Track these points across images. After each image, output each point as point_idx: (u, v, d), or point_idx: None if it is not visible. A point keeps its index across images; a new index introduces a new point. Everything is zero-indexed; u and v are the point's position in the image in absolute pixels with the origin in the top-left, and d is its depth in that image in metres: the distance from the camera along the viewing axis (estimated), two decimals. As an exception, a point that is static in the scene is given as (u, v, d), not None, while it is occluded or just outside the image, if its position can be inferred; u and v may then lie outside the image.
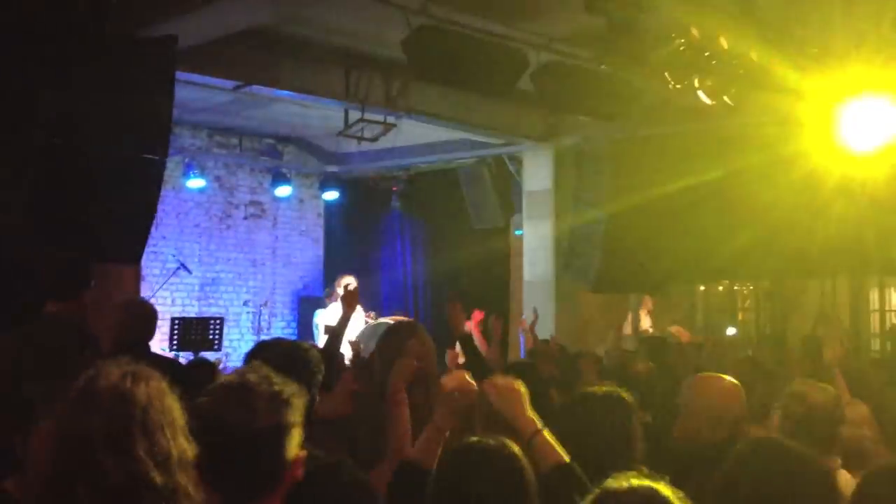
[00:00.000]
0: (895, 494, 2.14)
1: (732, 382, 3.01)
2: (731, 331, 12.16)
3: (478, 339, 6.98)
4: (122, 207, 5.65)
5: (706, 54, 6.07)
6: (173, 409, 1.86)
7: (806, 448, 3.06)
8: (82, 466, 1.77)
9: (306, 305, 11.75)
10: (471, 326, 6.82)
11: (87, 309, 4.65)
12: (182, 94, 7.92)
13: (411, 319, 6.93)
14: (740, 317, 12.53)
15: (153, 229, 9.00)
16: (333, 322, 8.14)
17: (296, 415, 1.88)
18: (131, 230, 5.74)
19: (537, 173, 10.52)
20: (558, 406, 3.74)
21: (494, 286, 11.21)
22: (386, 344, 3.94)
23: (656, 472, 1.81)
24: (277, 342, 3.14)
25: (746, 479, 2.28)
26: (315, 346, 3.29)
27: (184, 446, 1.84)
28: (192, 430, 1.85)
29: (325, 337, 7.76)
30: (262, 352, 2.86)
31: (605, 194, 9.10)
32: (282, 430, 1.86)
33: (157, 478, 1.78)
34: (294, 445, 1.88)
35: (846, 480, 3.14)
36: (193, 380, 3.96)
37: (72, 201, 5.43)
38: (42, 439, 2.33)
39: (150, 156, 5.79)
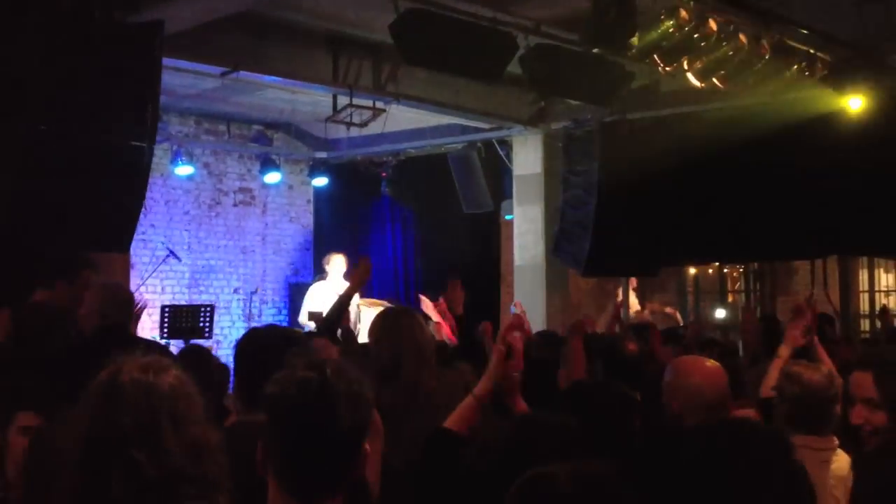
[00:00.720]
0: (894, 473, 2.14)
1: (714, 364, 3.01)
2: (720, 313, 12.20)
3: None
4: (110, 195, 5.61)
5: (695, 36, 6.06)
6: (196, 398, 1.86)
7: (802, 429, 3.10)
8: (115, 462, 1.75)
9: (297, 292, 11.73)
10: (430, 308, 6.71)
11: (81, 296, 4.61)
12: (169, 80, 7.88)
13: (399, 305, 6.89)
14: (730, 298, 12.57)
15: (142, 217, 8.96)
16: (322, 300, 8.15)
17: (369, 408, 1.86)
18: (119, 218, 5.70)
19: (527, 157, 10.50)
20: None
21: (485, 271, 11.20)
22: (390, 328, 3.87)
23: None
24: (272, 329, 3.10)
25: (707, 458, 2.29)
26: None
27: (210, 434, 1.84)
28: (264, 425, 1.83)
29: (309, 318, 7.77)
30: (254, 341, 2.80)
31: (595, 178, 9.09)
32: (360, 432, 1.83)
33: (190, 468, 1.77)
34: (365, 441, 1.86)
35: (843, 460, 3.15)
36: (187, 367, 3.93)
37: (58, 189, 5.39)
38: (42, 437, 2.32)
39: (138, 143, 5.74)
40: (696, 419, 2.77)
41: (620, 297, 10.15)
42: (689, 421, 2.75)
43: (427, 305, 6.82)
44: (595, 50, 6.77)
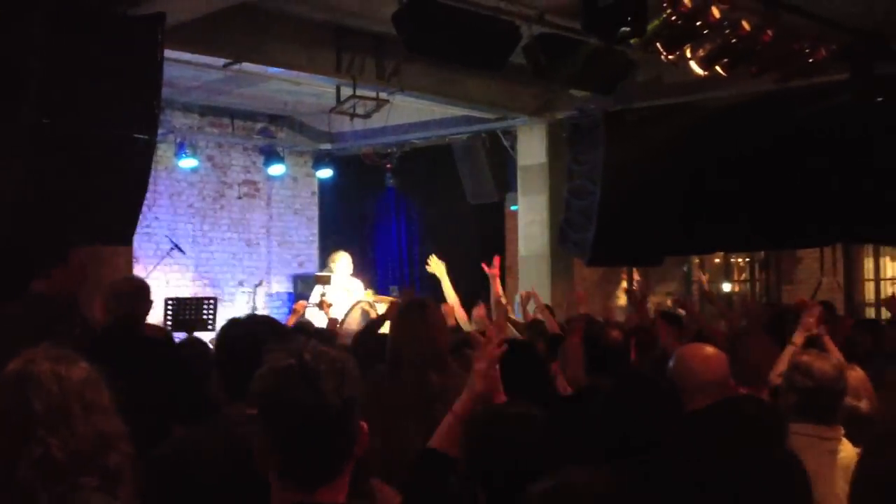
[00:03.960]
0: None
1: (715, 351, 3.03)
2: (726, 287, 12.21)
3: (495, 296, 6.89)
4: (113, 188, 5.63)
5: (698, 23, 6.03)
6: (104, 389, 1.92)
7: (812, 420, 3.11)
8: (25, 445, 1.80)
9: (302, 284, 11.74)
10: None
11: (80, 276, 4.59)
12: (172, 72, 7.88)
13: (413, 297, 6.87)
14: (737, 288, 12.54)
15: (146, 210, 8.99)
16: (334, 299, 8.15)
17: (357, 387, 1.84)
18: (122, 211, 5.72)
19: (532, 148, 10.48)
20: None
21: (490, 262, 11.17)
22: (403, 321, 3.84)
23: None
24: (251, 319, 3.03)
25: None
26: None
27: (117, 426, 1.89)
28: (253, 416, 1.84)
29: (322, 313, 7.79)
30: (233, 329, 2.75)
31: (600, 168, 9.07)
32: (349, 408, 1.81)
33: (96, 457, 1.81)
34: (358, 418, 1.84)
35: (850, 450, 3.15)
36: (184, 358, 3.94)
37: (61, 182, 5.39)
38: None
39: (140, 135, 5.75)
40: (699, 403, 2.80)
41: (623, 288, 10.12)
42: (692, 405, 2.78)
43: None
44: (595, 38, 6.72)
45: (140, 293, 4.68)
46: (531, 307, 7.63)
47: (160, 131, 6.95)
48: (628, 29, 5.78)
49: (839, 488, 2.97)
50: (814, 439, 3.12)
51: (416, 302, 4.06)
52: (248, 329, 2.67)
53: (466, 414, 2.54)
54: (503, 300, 6.61)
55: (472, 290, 8.54)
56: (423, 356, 3.61)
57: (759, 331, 4.93)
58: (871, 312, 11.14)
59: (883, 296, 10.91)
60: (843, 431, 3.22)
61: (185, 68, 8.48)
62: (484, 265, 6.98)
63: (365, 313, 8.32)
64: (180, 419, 3.17)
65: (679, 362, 3.04)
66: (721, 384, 2.95)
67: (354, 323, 7.99)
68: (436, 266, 6.93)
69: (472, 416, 2.47)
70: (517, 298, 8.46)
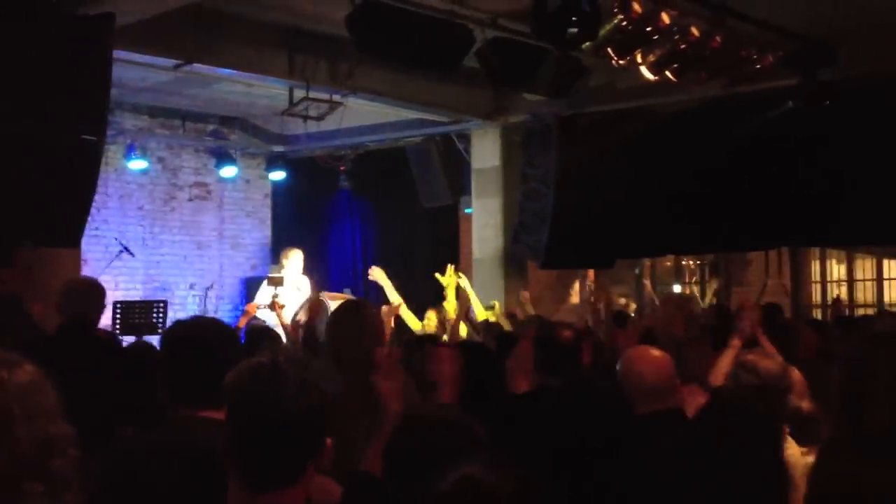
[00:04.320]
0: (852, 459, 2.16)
1: (662, 354, 3.04)
2: (676, 288, 12.37)
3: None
4: (60, 189, 5.53)
5: (648, 29, 6.10)
6: (50, 393, 1.87)
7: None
8: None
9: (254, 287, 11.63)
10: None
11: (27, 276, 4.54)
12: (121, 73, 7.77)
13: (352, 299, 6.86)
14: (687, 291, 12.71)
15: (94, 212, 8.84)
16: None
17: (324, 400, 1.84)
18: (70, 212, 5.62)
19: (486, 151, 10.52)
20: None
21: (444, 264, 11.17)
22: (341, 322, 3.86)
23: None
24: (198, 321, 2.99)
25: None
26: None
27: (63, 430, 1.84)
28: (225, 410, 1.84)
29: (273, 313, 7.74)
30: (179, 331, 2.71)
31: (553, 171, 9.13)
32: (311, 420, 1.82)
33: (40, 463, 1.79)
34: (322, 433, 1.84)
35: (794, 448, 3.21)
36: (131, 361, 3.89)
37: (6, 183, 5.29)
38: None
39: (88, 136, 5.66)
40: (645, 407, 2.81)
41: (577, 290, 10.21)
42: (639, 408, 2.79)
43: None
44: (546, 43, 6.77)
45: (92, 294, 4.63)
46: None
47: (109, 132, 6.85)
48: (576, 30, 5.82)
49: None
50: None
51: (352, 303, 4.08)
52: (193, 331, 2.64)
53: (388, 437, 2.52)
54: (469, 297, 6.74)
55: (426, 292, 8.55)
56: (358, 358, 3.64)
57: (699, 334, 5.01)
58: (817, 314, 11.37)
59: (829, 298, 11.15)
60: (787, 430, 3.28)
61: (134, 69, 8.37)
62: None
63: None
64: (129, 422, 3.13)
65: (626, 365, 3.04)
66: (669, 388, 2.97)
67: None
68: (377, 274, 7.02)
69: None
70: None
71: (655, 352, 3.08)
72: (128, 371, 3.99)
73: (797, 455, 3.19)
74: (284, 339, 6.17)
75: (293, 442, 1.81)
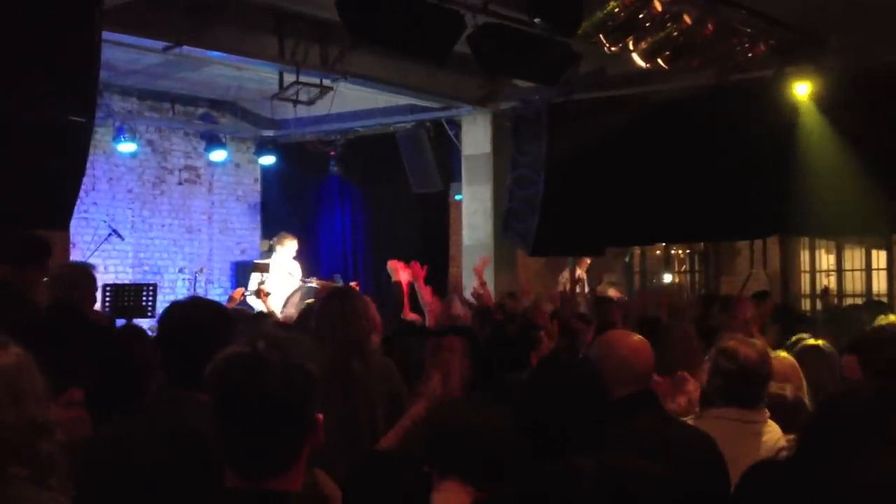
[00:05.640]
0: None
1: (639, 339, 3.04)
2: (667, 277, 12.41)
3: (422, 293, 6.98)
4: (48, 172, 5.49)
5: (640, 16, 6.10)
6: (37, 376, 1.86)
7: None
8: None
9: (243, 271, 11.62)
10: (409, 277, 6.89)
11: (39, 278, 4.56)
12: (110, 55, 7.73)
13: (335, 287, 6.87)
14: (676, 279, 12.75)
15: (84, 195, 8.82)
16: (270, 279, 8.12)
17: (310, 380, 1.83)
18: (58, 195, 5.59)
19: (476, 137, 10.51)
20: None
21: (434, 251, 11.19)
22: (327, 309, 3.88)
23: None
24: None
25: None
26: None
27: (51, 414, 1.84)
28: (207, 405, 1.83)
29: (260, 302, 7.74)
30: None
31: (543, 158, 9.13)
32: (300, 401, 1.81)
33: (26, 446, 1.78)
34: (313, 410, 1.83)
35: (775, 431, 3.23)
36: (121, 345, 3.87)
37: (-6, 165, 5.26)
38: None
39: (77, 118, 5.62)
40: (625, 390, 2.83)
41: (577, 273, 10.19)
42: (618, 392, 2.80)
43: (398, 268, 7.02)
44: (541, 28, 6.74)
45: (82, 278, 4.64)
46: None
47: (98, 115, 6.80)
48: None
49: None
50: (738, 423, 3.20)
51: (337, 291, 4.10)
52: (191, 313, 2.65)
53: (421, 417, 2.54)
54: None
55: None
56: (340, 343, 3.68)
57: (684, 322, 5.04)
58: (806, 304, 11.42)
59: (818, 287, 11.20)
60: (768, 414, 3.30)
61: (124, 51, 8.32)
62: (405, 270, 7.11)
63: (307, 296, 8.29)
64: (118, 405, 3.13)
65: (605, 349, 3.01)
66: (647, 371, 2.98)
67: (294, 307, 7.95)
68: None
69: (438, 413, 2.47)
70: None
71: (634, 336, 3.07)
72: (118, 354, 3.99)
73: (777, 437, 3.20)
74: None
75: (285, 429, 1.80)
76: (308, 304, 6.13)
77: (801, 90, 7.93)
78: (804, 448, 2.19)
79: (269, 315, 6.73)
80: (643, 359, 2.94)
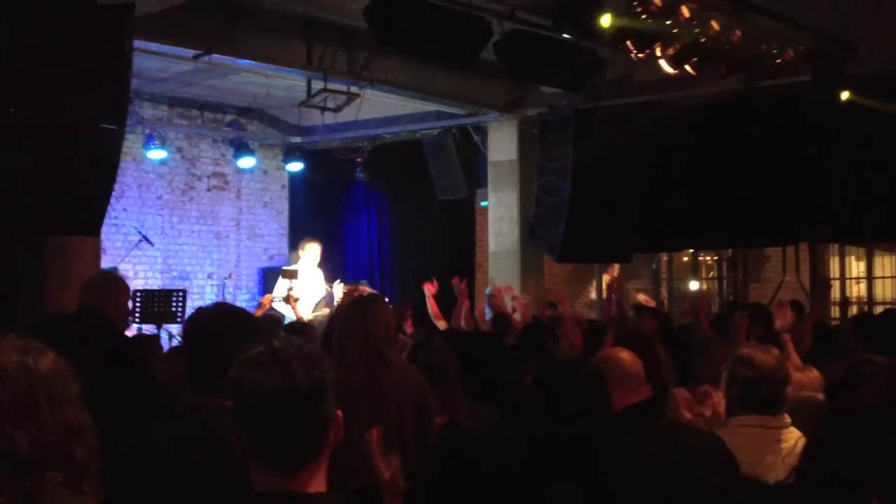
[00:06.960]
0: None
1: (631, 356, 3.22)
2: (693, 285, 12.34)
3: (433, 312, 7.09)
4: (80, 178, 5.56)
5: (667, 22, 6.08)
6: (72, 381, 1.89)
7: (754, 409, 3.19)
8: None
9: (271, 277, 11.68)
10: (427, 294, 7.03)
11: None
12: (141, 63, 7.82)
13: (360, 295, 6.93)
14: (704, 286, 12.68)
15: (114, 201, 8.88)
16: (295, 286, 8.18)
17: (328, 373, 1.87)
18: (89, 201, 5.65)
19: (502, 144, 10.51)
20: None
21: (460, 257, 11.22)
22: (346, 319, 3.91)
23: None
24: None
25: None
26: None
27: (85, 419, 1.87)
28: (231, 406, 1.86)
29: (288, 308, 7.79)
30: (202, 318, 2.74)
31: (570, 165, 9.11)
32: (321, 390, 1.84)
33: (62, 450, 1.80)
34: (332, 404, 1.87)
35: (796, 437, 3.21)
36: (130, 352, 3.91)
37: (27, 172, 5.33)
38: None
39: (108, 125, 5.69)
40: (622, 402, 2.89)
41: (615, 275, 10.14)
42: (617, 403, 2.91)
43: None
44: (564, 34, 6.74)
45: (110, 286, 4.65)
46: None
47: (128, 122, 6.89)
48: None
49: (785, 471, 3.02)
50: (759, 429, 3.18)
51: (360, 299, 4.14)
52: (215, 318, 2.67)
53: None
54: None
55: (441, 286, 8.55)
56: (361, 352, 3.71)
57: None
58: (835, 311, 11.30)
59: (848, 294, 11.09)
60: (789, 420, 3.27)
61: (154, 59, 8.41)
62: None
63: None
64: (138, 412, 3.16)
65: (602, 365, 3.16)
66: (637, 384, 3.09)
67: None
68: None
69: None
70: (487, 291, 8.50)
71: (624, 353, 3.23)
72: (138, 361, 4.03)
73: (796, 438, 3.18)
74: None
75: (310, 420, 1.83)
76: (336, 308, 6.18)
77: (831, 96, 7.85)
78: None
79: (299, 321, 6.77)
80: (634, 373, 3.06)
